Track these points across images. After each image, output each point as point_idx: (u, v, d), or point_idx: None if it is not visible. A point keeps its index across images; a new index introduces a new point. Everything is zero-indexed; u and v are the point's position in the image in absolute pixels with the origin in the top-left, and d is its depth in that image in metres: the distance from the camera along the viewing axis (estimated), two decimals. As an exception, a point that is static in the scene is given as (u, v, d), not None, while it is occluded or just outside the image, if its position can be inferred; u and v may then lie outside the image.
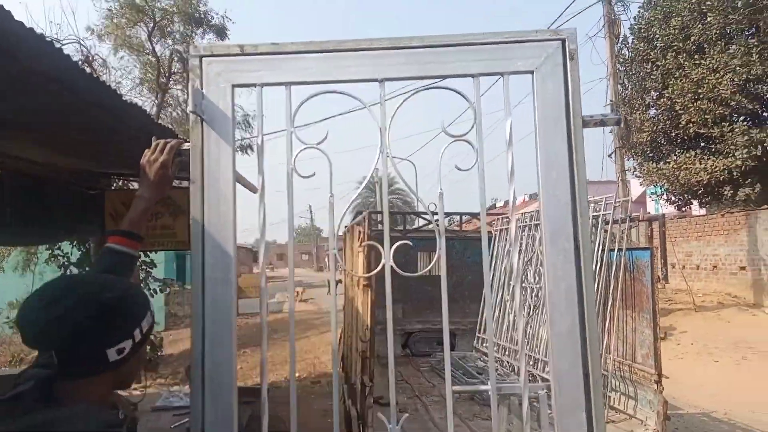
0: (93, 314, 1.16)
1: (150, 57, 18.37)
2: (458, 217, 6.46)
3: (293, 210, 1.77)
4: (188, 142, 1.73)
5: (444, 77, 1.70)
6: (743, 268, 12.45)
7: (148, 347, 9.67)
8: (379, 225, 7.64)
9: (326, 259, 52.78)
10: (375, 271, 1.74)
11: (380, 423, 3.88)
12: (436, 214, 1.74)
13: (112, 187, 7.23)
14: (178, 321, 16.93)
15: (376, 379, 3.72)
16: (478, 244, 6.69)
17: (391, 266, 1.69)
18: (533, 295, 4.70)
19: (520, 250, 5.23)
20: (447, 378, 1.70)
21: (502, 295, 5.39)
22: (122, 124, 3.47)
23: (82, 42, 15.53)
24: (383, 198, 1.72)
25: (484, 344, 5.66)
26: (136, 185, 8.25)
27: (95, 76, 2.85)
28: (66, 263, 8.01)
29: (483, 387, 2.35)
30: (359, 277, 3.69)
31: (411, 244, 1.74)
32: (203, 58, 1.72)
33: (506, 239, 5.67)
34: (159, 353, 9.81)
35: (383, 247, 1.71)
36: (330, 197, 1.80)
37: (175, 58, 18.80)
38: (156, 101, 17.83)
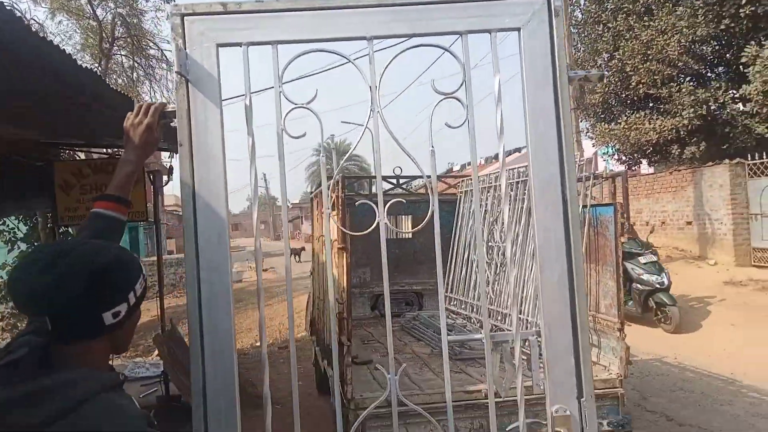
0: (88, 278, 1.16)
1: (91, 21, 17.50)
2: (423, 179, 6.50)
3: (285, 175, 1.77)
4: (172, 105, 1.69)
5: (432, 35, 1.71)
6: (689, 223, 13.07)
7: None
8: (346, 190, 7.61)
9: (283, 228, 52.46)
10: (369, 229, 1.77)
11: (359, 380, 3.97)
12: (430, 176, 1.75)
13: (61, 158, 6.96)
14: (135, 295, 16.57)
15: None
16: (442, 206, 6.76)
17: (386, 224, 1.72)
18: (500, 253, 4.83)
19: (486, 210, 5.35)
20: (443, 328, 1.76)
21: (468, 254, 5.52)
22: (70, 89, 3.27)
23: (15, 5, 14.62)
24: (375, 156, 1.74)
25: (452, 303, 5.81)
26: (83, 155, 7.95)
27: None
28: (12, 238, 7.73)
29: (477, 336, 2.44)
30: (334, 240, 3.71)
31: (404, 201, 1.77)
32: (185, 17, 1.67)
33: (471, 200, 5.77)
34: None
35: (377, 206, 1.73)
36: (321, 156, 1.81)
37: (118, 23, 17.97)
38: (99, 68, 17.05)
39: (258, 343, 9.78)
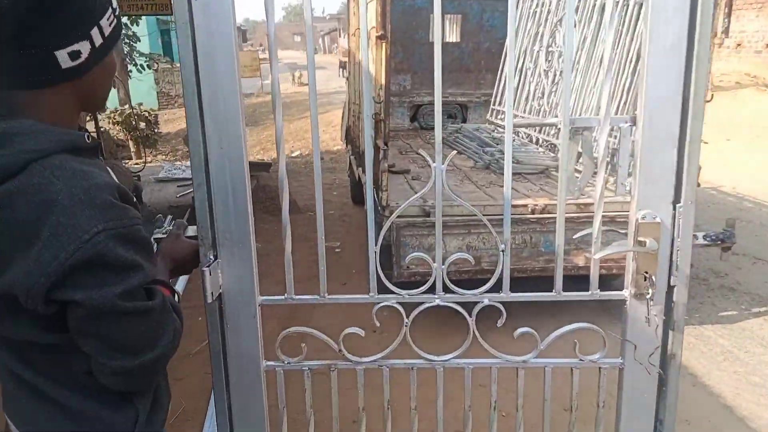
0: None
1: None
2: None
3: None
4: None
5: None
6: (768, 46, 11.72)
7: (143, 124, 9.31)
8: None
9: (320, 41, 50.42)
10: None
11: (395, 189, 3.73)
12: None
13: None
14: (171, 101, 16.49)
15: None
16: (497, 5, 5.90)
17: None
18: (561, 60, 4.24)
19: (549, 11, 4.65)
20: (508, 114, 1.37)
21: (524, 62, 4.92)
22: None
23: None
24: None
25: (499, 116, 5.36)
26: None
27: None
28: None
29: (552, 120, 2.10)
30: (371, 28, 3.20)
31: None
32: None
33: (532, -2, 5.01)
34: (155, 130, 9.61)
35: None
36: None
37: None
38: None
39: (291, 155, 9.69)
